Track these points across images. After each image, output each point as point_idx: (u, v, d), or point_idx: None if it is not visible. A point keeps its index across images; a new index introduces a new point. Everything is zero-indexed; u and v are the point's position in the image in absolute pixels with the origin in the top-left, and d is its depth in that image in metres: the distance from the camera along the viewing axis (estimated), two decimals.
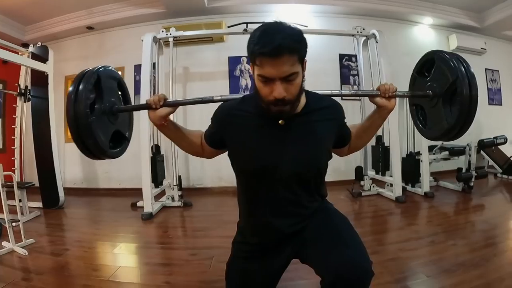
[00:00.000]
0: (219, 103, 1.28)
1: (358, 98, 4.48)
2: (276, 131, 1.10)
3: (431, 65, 1.40)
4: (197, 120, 4.50)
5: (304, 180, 1.15)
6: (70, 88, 1.21)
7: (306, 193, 1.18)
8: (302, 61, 1.01)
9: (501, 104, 6.35)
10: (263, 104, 1.05)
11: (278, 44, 0.91)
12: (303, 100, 1.12)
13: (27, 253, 2.37)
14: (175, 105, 1.27)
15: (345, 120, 1.26)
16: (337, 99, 1.27)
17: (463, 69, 1.26)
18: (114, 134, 1.38)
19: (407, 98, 1.59)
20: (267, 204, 1.17)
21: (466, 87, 1.24)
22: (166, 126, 1.24)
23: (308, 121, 1.13)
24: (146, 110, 1.22)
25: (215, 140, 1.24)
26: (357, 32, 4.10)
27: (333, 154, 1.28)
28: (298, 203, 1.17)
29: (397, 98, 1.25)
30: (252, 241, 1.26)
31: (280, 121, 1.09)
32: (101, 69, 1.31)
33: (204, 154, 1.34)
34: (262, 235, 1.22)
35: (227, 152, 1.23)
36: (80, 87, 1.21)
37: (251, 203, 1.24)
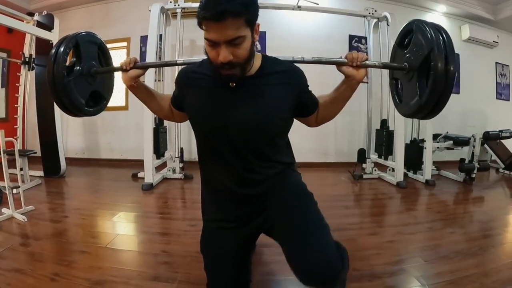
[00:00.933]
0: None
1: (365, 81, 4.43)
2: (227, 93, 1.10)
3: (411, 35, 1.27)
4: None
5: (254, 143, 1.14)
6: (52, 50, 1.30)
7: (259, 159, 1.17)
8: (250, 25, 0.99)
9: (508, 100, 6.27)
10: (214, 68, 1.04)
11: (222, 9, 0.90)
12: (257, 63, 1.13)
13: (26, 220, 2.38)
14: (144, 67, 1.31)
15: (309, 88, 1.22)
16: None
17: (440, 41, 1.12)
18: (92, 94, 1.48)
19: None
20: (221, 170, 1.19)
21: (442, 61, 1.10)
22: (136, 88, 1.30)
23: (260, 84, 1.11)
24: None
25: (179, 103, 1.27)
26: (369, 13, 4.03)
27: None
28: (251, 169, 1.17)
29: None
30: (212, 209, 1.29)
31: (231, 84, 1.09)
32: (82, 33, 1.40)
33: (175, 118, 1.39)
34: (220, 202, 1.25)
35: None
36: (59, 50, 1.30)
37: (207, 168, 1.27)
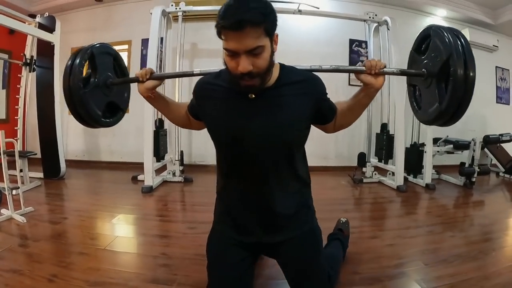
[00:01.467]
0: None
1: None
2: (246, 104, 1.10)
3: (429, 41, 1.25)
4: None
5: (272, 153, 1.14)
6: (68, 62, 1.32)
7: (276, 170, 1.16)
8: (270, 34, 1.00)
9: (508, 104, 6.28)
10: (233, 79, 1.03)
11: (241, 17, 0.90)
12: (275, 73, 1.12)
13: (25, 221, 2.37)
14: (160, 78, 1.30)
15: (327, 96, 1.22)
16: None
17: (459, 46, 1.09)
18: (108, 105, 1.49)
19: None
20: (239, 181, 1.21)
21: (461, 66, 1.08)
22: (153, 98, 1.30)
23: (279, 95, 1.11)
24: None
25: (195, 112, 1.28)
26: (369, 17, 4.05)
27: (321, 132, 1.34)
28: (268, 182, 1.17)
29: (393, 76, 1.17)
30: (225, 218, 1.30)
31: (251, 96, 1.09)
32: (96, 45, 1.40)
33: (192, 126, 1.38)
34: (234, 214, 1.26)
35: None
36: (75, 62, 1.30)
37: (224, 177, 1.27)
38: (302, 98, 1.14)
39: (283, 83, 1.13)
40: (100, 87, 1.40)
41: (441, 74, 1.15)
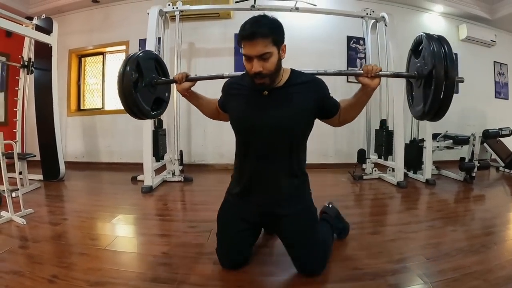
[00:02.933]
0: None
1: None
2: (261, 100, 1.44)
3: (422, 47, 1.44)
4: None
5: (279, 138, 1.45)
6: (119, 70, 1.60)
7: (282, 150, 1.48)
8: (277, 44, 1.31)
9: (507, 99, 6.31)
10: (249, 78, 1.37)
11: (254, 31, 1.25)
12: (286, 75, 1.45)
13: (25, 222, 2.36)
14: (194, 80, 1.64)
15: (330, 94, 1.51)
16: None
17: (442, 55, 1.28)
18: (155, 100, 1.80)
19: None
20: (252, 162, 1.52)
21: (442, 77, 1.27)
22: (189, 96, 1.68)
23: (287, 92, 1.43)
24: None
25: (222, 105, 1.66)
26: (367, 14, 4.04)
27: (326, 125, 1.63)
28: (276, 155, 1.48)
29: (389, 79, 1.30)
30: (237, 190, 1.63)
31: (264, 92, 1.43)
32: (140, 54, 1.68)
33: (220, 117, 1.75)
34: (246, 188, 1.58)
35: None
36: (125, 70, 1.58)
37: (242, 156, 1.57)
38: (306, 96, 1.44)
39: (291, 83, 1.44)
40: (147, 87, 1.69)
41: (429, 78, 1.35)
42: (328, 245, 1.73)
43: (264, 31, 1.25)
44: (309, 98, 1.44)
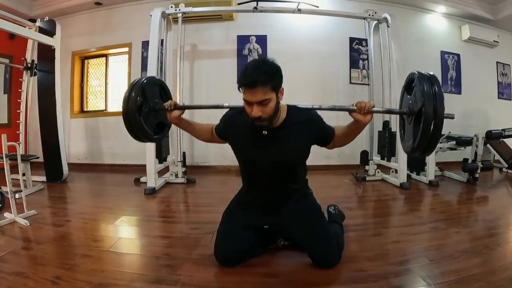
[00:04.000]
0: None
1: (366, 83, 4.48)
2: (261, 139, 1.55)
3: (414, 84, 1.49)
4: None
5: (279, 171, 1.63)
6: (125, 94, 1.65)
7: (283, 179, 1.66)
8: (275, 90, 1.39)
9: (510, 99, 6.26)
10: (250, 119, 1.44)
11: (253, 79, 1.32)
12: (283, 114, 1.54)
13: (28, 224, 2.37)
14: (182, 108, 1.71)
15: (325, 125, 1.61)
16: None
17: (431, 94, 1.33)
18: (158, 124, 1.85)
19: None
20: (258, 182, 1.70)
21: (431, 114, 1.33)
22: (180, 124, 1.76)
23: (285, 133, 1.54)
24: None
25: (221, 134, 1.76)
26: (369, 15, 4.03)
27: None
28: (278, 183, 1.66)
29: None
30: (245, 195, 1.82)
31: (264, 132, 1.53)
32: (145, 81, 1.73)
33: (215, 141, 1.83)
34: (252, 195, 1.77)
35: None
36: (130, 95, 1.64)
37: (248, 180, 1.77)
38: (302, 135, 1.56)
39: (289, 123, 1.54)
40: (150, 112, 1.73)
41: (419, 115, 1.40)
42: (338, 236, 1.84)
43: (264, 79, 1.32)
44: (305, 136, 1.57)
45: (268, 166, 1.58)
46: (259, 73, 1.32)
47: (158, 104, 1.76)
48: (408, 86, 1.56)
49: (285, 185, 1.68)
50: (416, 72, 1.48)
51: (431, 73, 1.45)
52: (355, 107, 1.41)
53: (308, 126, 1.55)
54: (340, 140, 1.62)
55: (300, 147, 1.60)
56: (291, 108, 1.56)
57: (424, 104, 1.34)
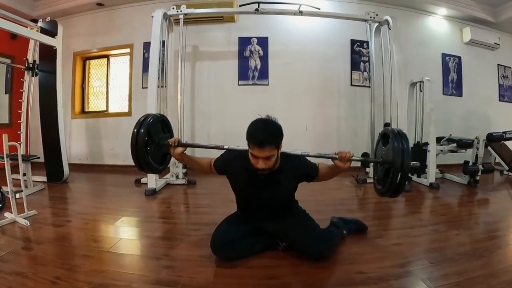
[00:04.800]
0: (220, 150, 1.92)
1: (368, 85, 4.50)
2: (258, 180, 1.77)
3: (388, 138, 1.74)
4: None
5: (273, 205, 1.90)
6: (134, 131, 1.80)
7: (276, 208, 1.92)
8: (278, 147, 1.64)
9: (511, 102, 6.26)
10: (253, 167, 1.67)
11: (263, 140, 1.56)
12: (278, 161, 1.74)
13: (28, 224, 2.37)
14: (185, 145, 1.88)
15: (310, 168, 1.87)
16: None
17: (400, 150, 1.58)
18: (162, 156, 2.02)
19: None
20: (251, 208, 1.96)
21: (398, 166, 1.57)
22: (182, 160, 1.94)
23: (279, 177, 1.80)
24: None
25: (220, 171, 1.95)
26: (370, 17, 4.03)
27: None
28: (272, 213, 1.92)
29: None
30: (242, 212, 2.06)
31: (261, 176, 1.74)
32: (151, 121, 1.87)
33: (212, 173, 2.00)
34: (248, 213, 1.99)
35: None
36: (139, 133, 1.79)
37: (242, 208, 2.03)
38: (292, 179, 1.87)
39: (282, 169, 1.78)
40: (156, 146, 1.89)
41: (389, 166, 1.66)
42: (331, 232, 2.03)
43: (270, 141, 1.58)
44: (294, 180, 1.88)
45: (262, 202, 1.86)
46: (267, 135, 1.58)
47: (163, 140, 1.91)
48: (384, 135, 1.82)
49: (278, 211, 1.94)
50: (390, 129, 1.76)
51: (403, 131, 1.73)
52: (337, 156, 1.69)
53: (297, 172, 1.85)
54: (322, 177, 1.91)
55: (290, 188, 1.91)
56: (284, 156, 1.77)
57: (394, 158, 1.60)
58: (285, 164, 1.79)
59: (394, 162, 1.60)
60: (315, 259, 1.76)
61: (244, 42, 4.98)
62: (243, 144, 1.78)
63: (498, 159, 4.79)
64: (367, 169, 4.26)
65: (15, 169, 2.63)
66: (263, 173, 1.70)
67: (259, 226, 1.92)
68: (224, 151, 1.92)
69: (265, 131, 1.58)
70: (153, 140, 1.88)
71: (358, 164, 4.35)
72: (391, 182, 1.63)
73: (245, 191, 1.90)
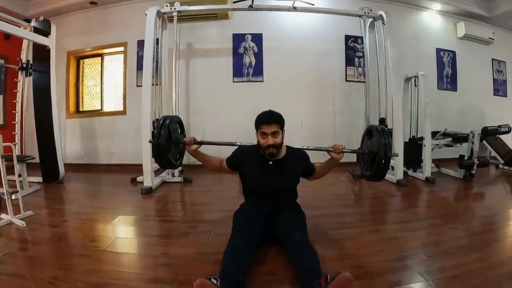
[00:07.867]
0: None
1: (362, 80, 4.51)
2: (267, 167, 1.98)
3: (372, 133, 2.09)
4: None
5: (280, 192, 2.01)
6: (156, 132, 2.04)
7: (282, 196, 2.04)
8: (282, 128, 1.91)
9: (506, 96, 6.31)
10: (261, 150, 1.94)
11: (269, 119, 1.87)
12: (284, 151, 2.01)
13: (25, 225, 2.36)
14: (200, 143, 2.07)
15: (310, 163, 2.09)
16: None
17: (383, 143, 1.95)
18: (179, 153, 2.31)
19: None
20: (257, 199, 2.05)
21: (382, 155, 1.95)
22: (196, 155, 2.08)
23: (285, 164, 2.00)
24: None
25: (232, 165, 2.11)
26: (364, 13, 4.03)
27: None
28: (278, 199, 2.03)
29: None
30: (248, 205, 2.15)
31: (270, 162, 1.97)
32: (167, 121, 2.10)
33: (221, 170, 2.17)
34: (254, 205, 2.07)
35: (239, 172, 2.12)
36: (161, 132, 2.01)
37: (250, 199, 2.14)
38: (297, 166, 2.05)
39: (288, 157, 2.01)
40: (174, 145, 2.15)
41: (374, 155, 2.02)
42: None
43: (276, 119, 1.88)
44: (299, 167, 2.05)
45: (270, 188, 1.98)
46: (272, 115, 1.90)
47: (179, 139, 2.16)
48: (369, 134, 2.13)
49: (282, 201, 2.05)
50: (374, 126, 2.12)
51: (387, 128, 2.17)
52: (332, 148, 1.95)
53: (301, 161, 2.06)
54: (318, 174, 2.12)
55: (296, 174, 2.07)
56: (289, 147, 2.06)
57: (378, 149, 1.96)
58: (290, 154, 2.04)
59: (379, 153, 1.97)
60: (294, 243, 1.66)
61: (238, 39, 4.97)
62: (239, 141, 2.13)
63: (494, 153, 4.83)
64: (363, 164, 4.26)
65: (10, 170, 2.61)
66: (272, 152, 1.89)
67: (262, 219, 1.94)
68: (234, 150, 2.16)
69: (270, 113, 1.91)
70: (172, 139, 2.11)
71: (354, 159, 4.39)
72: (377, 168, 2.00)
73: (256, 177, 2.02)
